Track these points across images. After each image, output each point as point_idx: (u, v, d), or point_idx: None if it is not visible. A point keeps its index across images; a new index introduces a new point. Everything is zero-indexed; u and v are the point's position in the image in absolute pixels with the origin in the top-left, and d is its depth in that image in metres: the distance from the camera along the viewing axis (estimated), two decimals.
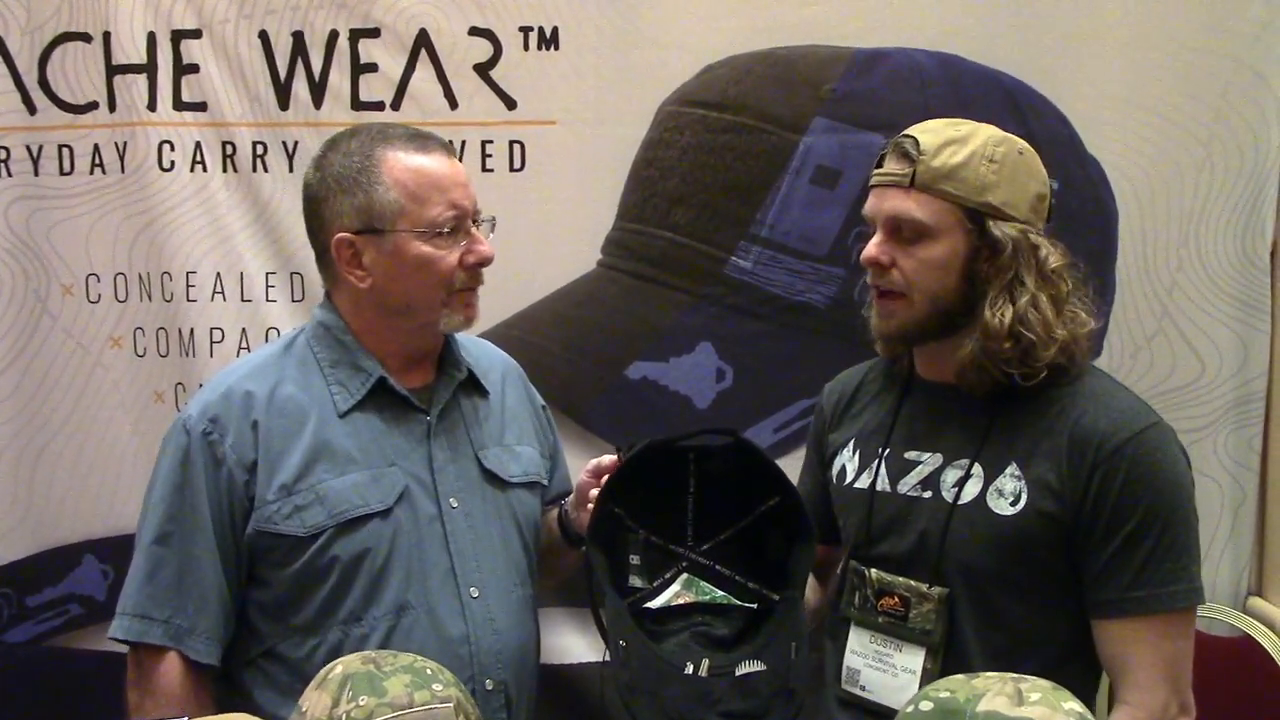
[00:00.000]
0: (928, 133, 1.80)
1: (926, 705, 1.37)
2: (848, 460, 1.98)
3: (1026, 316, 1.75)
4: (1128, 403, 1.81)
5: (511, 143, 2.71)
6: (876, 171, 1.84)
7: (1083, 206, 2.66)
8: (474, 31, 2.69)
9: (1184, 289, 2.69)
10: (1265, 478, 2.75)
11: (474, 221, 1.90)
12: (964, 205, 1.77)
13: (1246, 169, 2.65)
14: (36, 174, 2.73)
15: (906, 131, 1.82)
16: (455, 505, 1.92)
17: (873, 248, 1.83)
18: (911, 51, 2.67)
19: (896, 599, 1.84)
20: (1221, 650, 2.66)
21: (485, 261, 1.90)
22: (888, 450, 1.91)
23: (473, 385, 2.03)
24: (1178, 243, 2.68)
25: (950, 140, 1.78)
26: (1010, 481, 1.78)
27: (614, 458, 1.89)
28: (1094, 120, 2.65)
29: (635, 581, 1.77)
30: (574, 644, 2.69)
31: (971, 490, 1.81)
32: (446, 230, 1.85)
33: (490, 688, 1.88)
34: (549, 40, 2.69)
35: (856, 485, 1.94)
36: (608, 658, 1.69)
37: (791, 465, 2.12)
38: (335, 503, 1.84)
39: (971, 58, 2.65)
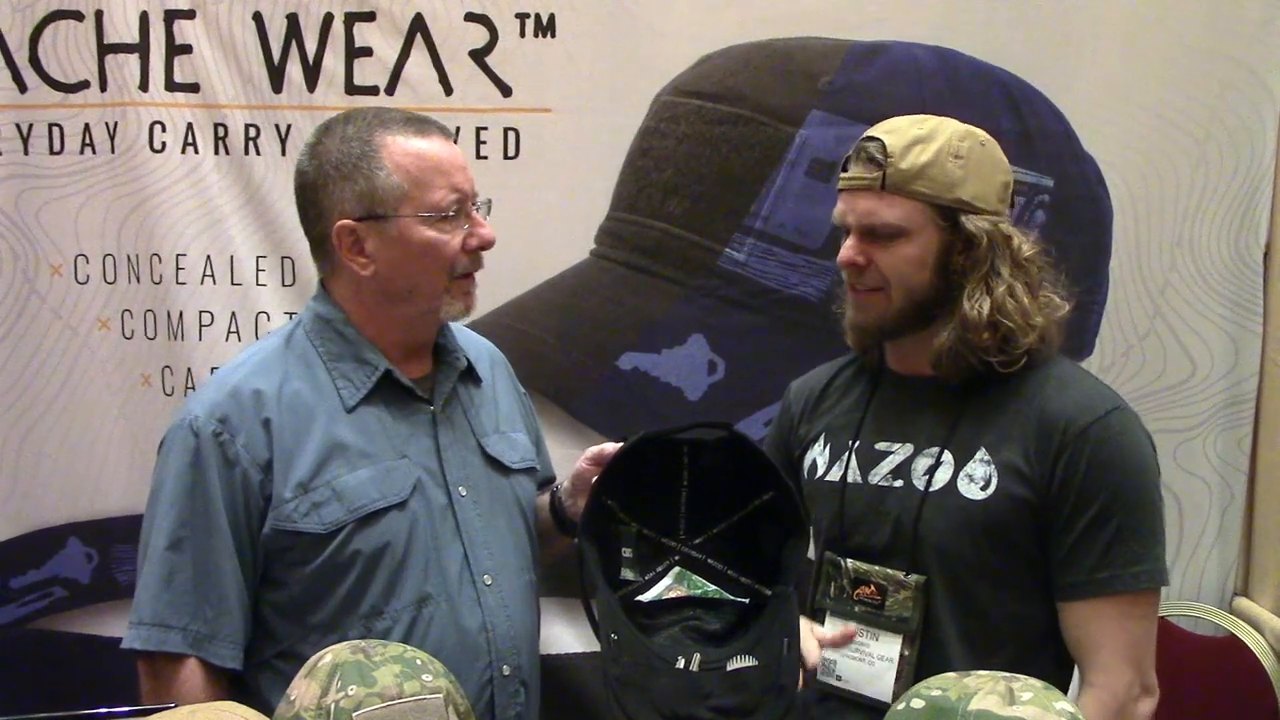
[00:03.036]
0: (892, 133, 1.83)
1: (918, 703, 1.37)
2: (818, 455, 2.00)
3: (1004, 306, 1.80)
4: (1092, 387, 1.87)
5: (506, 130, 2.70)
6: (844, 176, 1.87)
7: (1078, 203, 2.67)
8: (470, 17, 2.68)
9: (1177, 288, 2.71)
10: (1254, 479, 2.76)
11: (473, 204, 1.89)
12: (935, 203, 1.80)
13: (1242, 169, 2.66)
14: (26, 153, 2.70)
15: (870, 133, 1.86)
16: (464, 494, 1.92)
17: (848, 250, 1.86)
18: (909, 45, 2.67)
19: (873, 588, 1.86)
20: (1207, 650, 2.67)
21: (487, 244, 1.89)
22: (858, 442, 1.94)
23: (468, 374, 2.02)
24: (1171, 242, 2.69)
25: (916, 139, 1.81)
26: (980, 466, 1.81)
27: (616, 446, 1.88)
28: (1091, 117, 2.66)
29: (627, 574, 1.75)
30: (562, 634, 2.69)
31: (942, 477, 1.83)
32: (450, 214, 1.84)
33: (507, 673, 1.89)
34: (545, 27, 2.68)
35: (828, 478, 1.96)
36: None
37: None
38: (352, 498, 1.82)
39: (969, 52, 2.66)
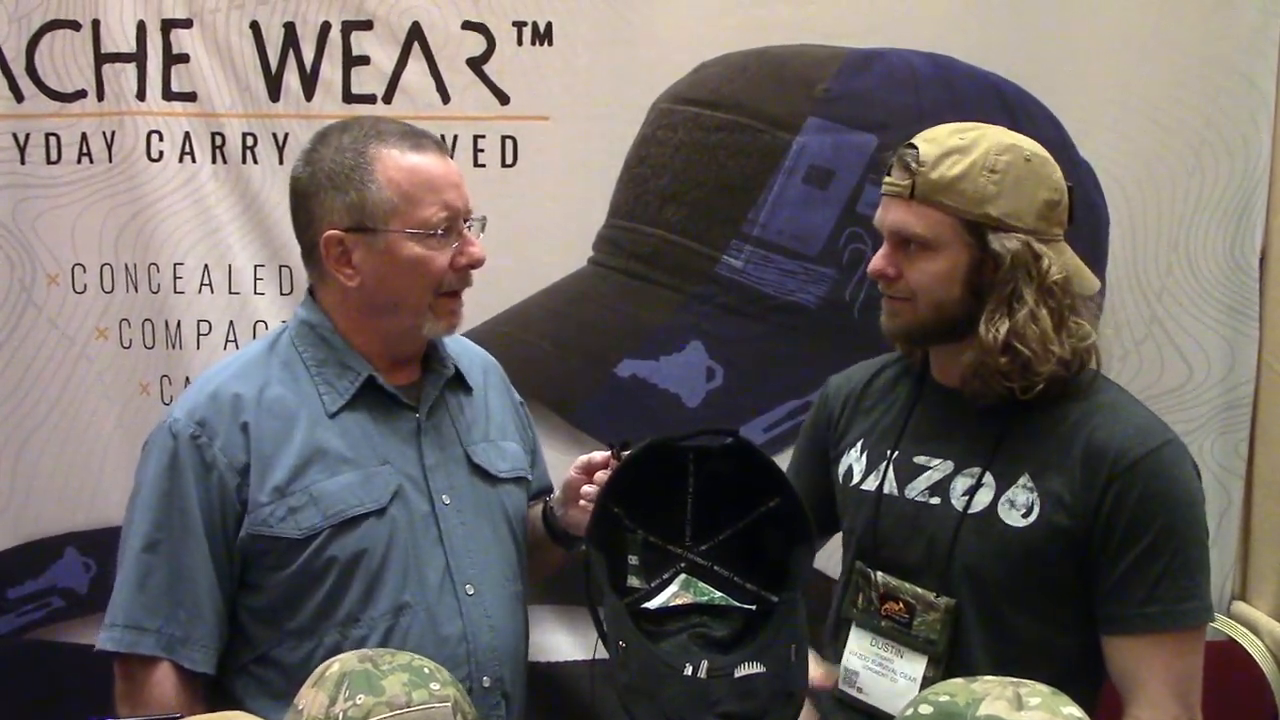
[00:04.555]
0: (930, 142, 1.77)
1: (926, 709, 1.38)
2: (855, 460, 1.97)
3: (1024, 331, 1.73)
4: (1144, 419, 1.80)
5: (504, 138, 2.70)
6: (884, 180, 1.82)
7: (1074, 209, 2.66)
8: (467, 25, 2.68)
9: (1173, 293, 2.71)
10: (1250, 483, 2.76)
11: (466, 222, 1.88)
12: (962, 218, 1.74)
13: (1237, 174, 2.67)
14: (23, 162, 2.70)
15: (912, 140, 1.80)
16: (448, 502, 1.91)
17: (879, 260, 1.82)
18: (905, 52, 2.68)
19: (901, 605, 1.83)
20: (1205, 654, 2.67)
21: (476, 263, 1.88)
22: (896, 453, 1.90)
23: (458, 382, 2.02)
24: (1167, 247, 2.70)
25: (951, 150, 1.75)
26: (1022, 493, 1.77)
27: (605, 454, 1.88)
28: (1086, 123, 2.66)
29: (633, 581, 1.75)
30: (560, 642, 2.69)
31: (982, 500, 1.79)
32: (439, 231, 1.83)
33: (487, 685, 1.87)
34: (542, 35, 2.69)
35: (864, 487, 1.93)
36: (599, 655, 1.69)
37: (782, 465, 2.11)
38: (330, 503, 1.82)
39: (965, 59, 2.66)
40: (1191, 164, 2.67)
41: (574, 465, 1.96)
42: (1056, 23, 2.65)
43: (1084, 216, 2.66)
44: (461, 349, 2.08)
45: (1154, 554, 1.71)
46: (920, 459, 1.88)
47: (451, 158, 1.93)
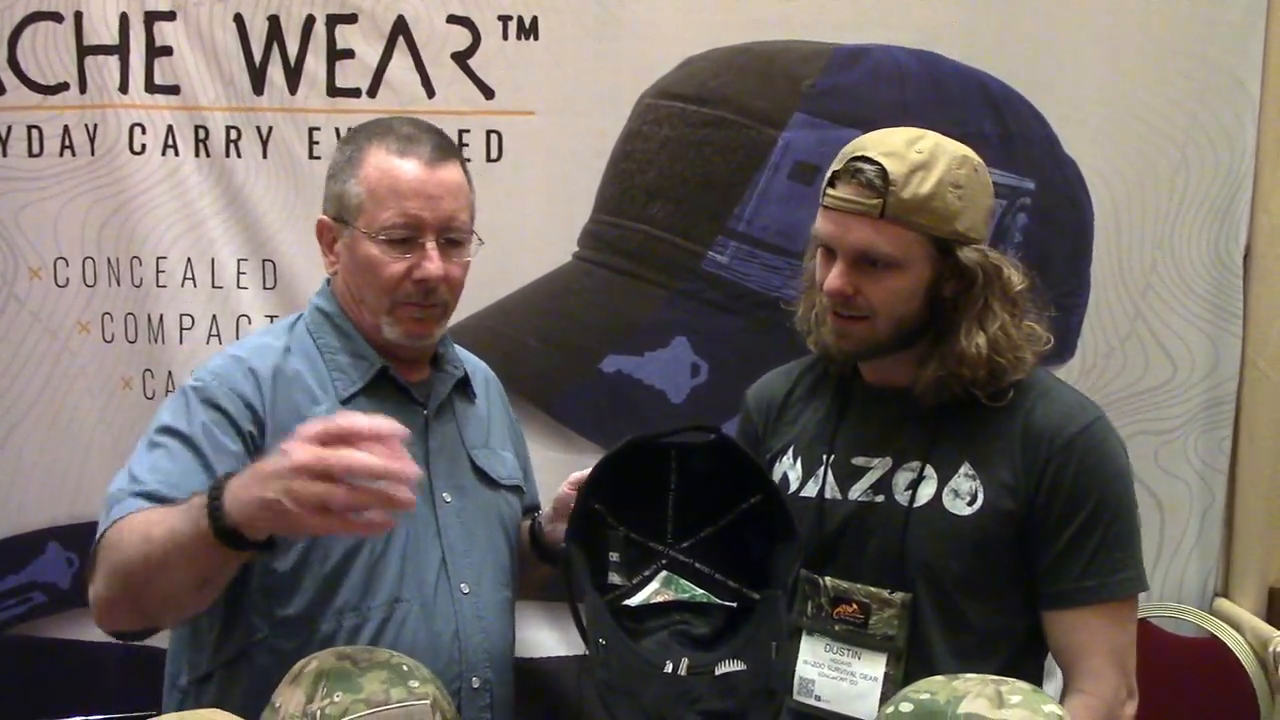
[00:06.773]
0: (891, 157, 1.72)
1: (907, 706, 1.38)
2: (789, 468, 1.96)
3: (999, 342, 1.77)
4: (1073, 398, 1.85)
5: (489, 132, 2.69)
6: (834, 194, 1.76)
7: (1059, 207, 2.68)
8: (452, 19, 2.67)
9: (1158, 291, 2.72)
10: (1234, 480, 2.78)
11: (444, 238, 1.84)
12: (931, 234, 1.74)
13: (1222, 172, 2.68)
14: (5, 155, 2.69)
15: (863, 152, 1.74)
16: (449, 500, 1.91)
17: (837, 279, 1.77)
18: (892, 49, 2.68)
19: (855, 606, 1.83)
20: (1188, 650, 2.69)
21: (428, 280, 1.84)
22: (832, 456, 1.90)
23: (463, 387, 2.02)
24: (1152, 245, 2.70)
25: (916, 166, 1.72)
26: (965, 481, 1.79)
27: None
28: (1072, 121, 2.67)
29: (614, 579, 1.74)
30: (545, 638, 2.68)
31: (926, 492, 1.81)
32: (397, 239, 1.82)
33: (476, 685, 1.86)
34: (528, 30, 2.68)
35: (803, 494, 1.92)
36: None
37: None
38: None
39: (952, 56, 2.67)
40: (1177, 161, 2.68)
41: (567, 481, 1.94)
42: (1043, 20, 2.65)
43: (1069, 213, 2.68)
44: (463, 358, 2.08)
45: (1090, 528, 1.75)
46: (859, 460, 1.88)
47: (463, 169, 1.90)
